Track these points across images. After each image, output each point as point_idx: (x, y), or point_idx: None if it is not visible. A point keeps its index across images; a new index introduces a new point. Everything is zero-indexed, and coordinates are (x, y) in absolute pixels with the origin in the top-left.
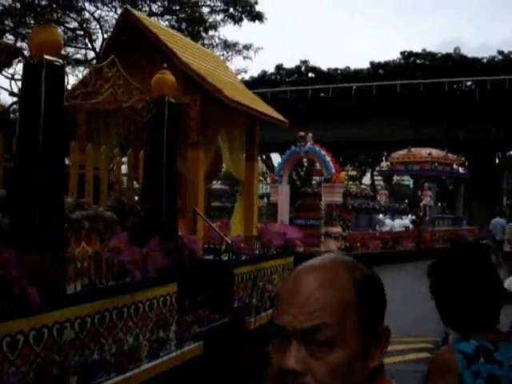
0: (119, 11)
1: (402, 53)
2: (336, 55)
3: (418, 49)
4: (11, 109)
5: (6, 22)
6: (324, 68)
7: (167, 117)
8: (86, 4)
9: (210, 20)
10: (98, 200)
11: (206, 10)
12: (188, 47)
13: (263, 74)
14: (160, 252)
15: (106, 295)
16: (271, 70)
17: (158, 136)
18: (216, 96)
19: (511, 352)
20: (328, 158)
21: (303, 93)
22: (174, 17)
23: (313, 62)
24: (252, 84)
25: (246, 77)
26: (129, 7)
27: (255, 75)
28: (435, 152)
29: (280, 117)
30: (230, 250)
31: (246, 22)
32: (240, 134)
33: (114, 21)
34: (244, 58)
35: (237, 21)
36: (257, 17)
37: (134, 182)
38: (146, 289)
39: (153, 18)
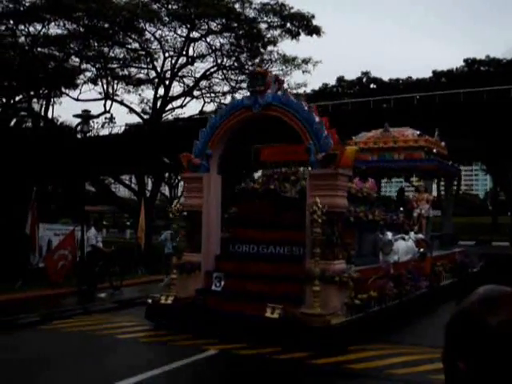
0: (179, 31)
1: (466, 60)
2: (398, 65)
3: (482, 56)
4: (78, 129)
5: (72, 45)
6: (385, 79)
7: None
8: (147, 25)
9: (268, 36)
10: None
11: (263, 26)
12: None
13: (324, 87)
14: None
15: None
16: (332, 82)
17: None
18: None
19: None
20: (317, 119)
21: (365, 104)
22: (233, 34)
23: (374, 73)
24: (313, 97)
25: (308, 90)
26: None
27: (316, 88)
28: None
29: None
30: None
31: (303, 36)
32: None
33: (173, 40)
34: (303, 72)
35: (294, 35)
36: (314, 31)
37: None
38: None
39: (211, 35)
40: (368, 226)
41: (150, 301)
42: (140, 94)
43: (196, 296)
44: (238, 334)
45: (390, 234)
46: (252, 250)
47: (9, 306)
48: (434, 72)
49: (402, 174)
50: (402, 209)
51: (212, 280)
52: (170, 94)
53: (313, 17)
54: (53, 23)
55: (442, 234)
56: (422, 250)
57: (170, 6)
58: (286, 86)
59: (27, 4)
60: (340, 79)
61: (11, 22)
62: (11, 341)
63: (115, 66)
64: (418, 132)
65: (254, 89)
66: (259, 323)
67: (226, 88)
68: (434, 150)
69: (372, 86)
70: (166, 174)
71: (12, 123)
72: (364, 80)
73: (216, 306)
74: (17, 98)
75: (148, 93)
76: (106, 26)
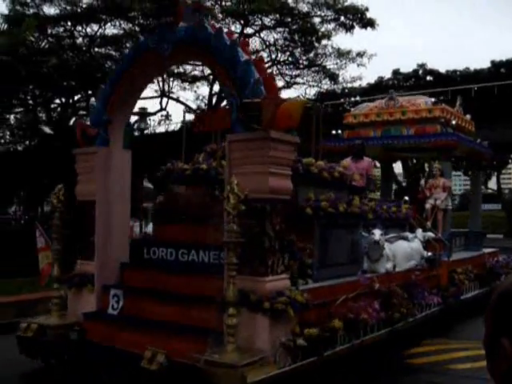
0: (232, 27)
1: None
2: (455, 56)
3: None
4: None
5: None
6: (442, 70)
7: None
8: None
9: (322, 30)
10: None
11: (317, 20)
12: None
13: (380, 80)
14: None
15: None
16: (388, 75)
17: None
18: None
19: None
20: (245, 58)
21: None
22: (287, 29)
23: (430, 65)
24: (369, 91)
25: (363, 84)
26: None
27: (372, 82)
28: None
29: None
30: None
31: (357, 29)
32: None
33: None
34: (358, 65)
35: (348, 29)
36: (368, 23)
37: None
38: None
39: (265, 31)
40: (342, 221)
41: (23, 326)
42: (195, 91)
43: (79, 323)
44: None
45: (377, 233)
46: (170, 257)
47: None
48: (493, 62)
49: (411, 154)
50: (406, 198)
51: (109, 299)
52: None
53: (367, 9)
54: (109, 23)
55: (468, 231)
56: (429, 253)
57: (223, 3)
58: (341, 79)
59: (84, 6)
60: (396, 72)
61: (69, 23)
62: None
63: None
64: (433, 99)
65: (161, 21)
66: (134, 376)
67: (281, 83)
68: (453, 122)
69: (428, 78)
70: None
71: (71, 122)
72: (420, 72)
73: (106, 340)
74: (75, 98)
75: (203, 89)
76: None
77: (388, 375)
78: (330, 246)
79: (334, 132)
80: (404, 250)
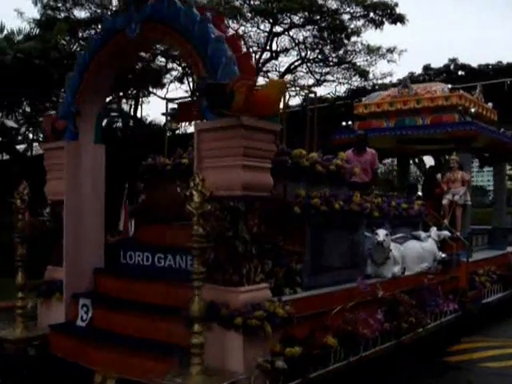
0: (261, 26)
1: None
2: (487, 49)
3: None
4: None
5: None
6: (474, 65)
7: None
8: (230, 22)
9: (352, 26)
10: None
11: (346, 16)
12: None
13: (410, 76)
14: None
15: None
16: (418, 71)
17: None
18: None
19: None
20: (216, 34)
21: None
22: (316, 26)
23: (462, 60)
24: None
25: (393, 80)
26: None
27: (402, 78)
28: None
29: None
30: None
31: (387, 25)
32: None
33: (257, 36)
34: (388, 61)
35: (378, 25)
36: (398, 19)
37: None
38: None
39: (294, 29)
40: (338, 220)
41: None
42: None
43: (45, 336)
44: None
45: (382, 233)
46: (146, 262)
47: None
48: None
49: (428, 146)
50: (420, 194)
51: (78, 309)
52: None
53: (396, 5)
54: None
55: (492, 228)
56: (443, 255)
57: (252, 2)
58: (371, 76)
59: (114, 9)
60: (426, 67)
61: (100, 26)
62: None
63: None
64: (449, 86)
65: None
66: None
67: (311, 81)
68: (472, 110)
69: (460, 72)
70: None
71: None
72: (451, 67)
73: (71, 355)
74: (107, 100)
75: None
76: None
77: (420, 373)
78: (324, 248)
79: (344, 123)
80: (415, 251)
